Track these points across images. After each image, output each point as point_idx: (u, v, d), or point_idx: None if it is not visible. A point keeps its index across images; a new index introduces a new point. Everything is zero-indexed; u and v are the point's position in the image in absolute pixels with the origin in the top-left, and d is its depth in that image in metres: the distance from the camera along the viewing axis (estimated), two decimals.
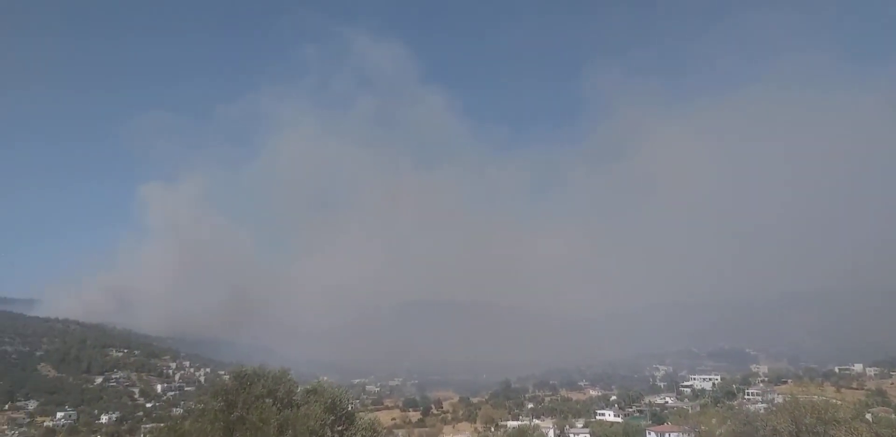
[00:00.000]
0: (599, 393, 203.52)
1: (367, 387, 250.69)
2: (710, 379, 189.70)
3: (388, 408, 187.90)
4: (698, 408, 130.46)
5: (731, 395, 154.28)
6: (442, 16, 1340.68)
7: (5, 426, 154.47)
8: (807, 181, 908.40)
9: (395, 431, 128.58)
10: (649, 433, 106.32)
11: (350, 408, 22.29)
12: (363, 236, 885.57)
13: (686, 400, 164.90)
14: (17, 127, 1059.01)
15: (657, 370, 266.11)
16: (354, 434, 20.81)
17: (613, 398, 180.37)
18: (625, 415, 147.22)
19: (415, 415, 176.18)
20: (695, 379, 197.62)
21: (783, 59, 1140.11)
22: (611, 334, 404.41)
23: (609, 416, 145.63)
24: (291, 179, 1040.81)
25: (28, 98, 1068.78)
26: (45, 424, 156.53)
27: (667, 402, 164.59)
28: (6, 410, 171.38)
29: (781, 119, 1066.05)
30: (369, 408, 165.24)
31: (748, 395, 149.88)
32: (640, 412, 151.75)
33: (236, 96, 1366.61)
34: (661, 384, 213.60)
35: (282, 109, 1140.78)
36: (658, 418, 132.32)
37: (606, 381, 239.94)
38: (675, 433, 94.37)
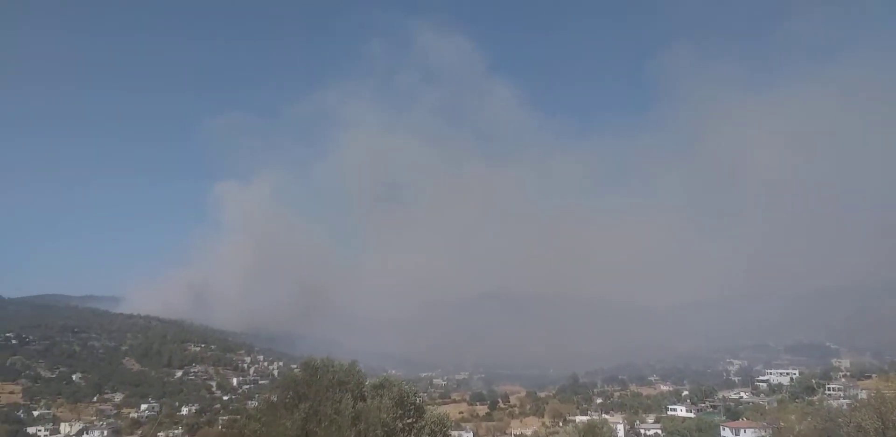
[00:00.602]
0: (670, 388, 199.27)
1: (434, 381, 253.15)
2: (787, 374, 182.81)
3: (455, 402, 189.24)
4: (775, 404, 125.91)
5: (811, 390, 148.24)
6: (506, 6, 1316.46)
7: (94, 417, 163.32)
8: None
9: (463, 424, 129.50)
10: (724, 429, 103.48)
11: (418, 401, 22.57)
12: (431, 229, 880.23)
13: (762, 395, 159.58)
14: (97, 128, 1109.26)
15: (731, 364, 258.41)
16: (423, 427, 21.08)
17: (685, 393, 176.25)
18: (697, 410, 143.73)
19: (482, 409, 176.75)
20: (771, 374, 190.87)
21: (877, 32, 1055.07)
22: (682, 328, 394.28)
23: (681, 411, 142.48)
24: (359, 175, 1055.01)
25: (108, 99, 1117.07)
26: (130, 415, 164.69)
27: (741, 397, 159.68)
28: (95, 402, 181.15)
29: (871, 97, 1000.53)
30: (437, 402, 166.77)
31: (829, 390, 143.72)
32: (714, 407, 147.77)
33: (305, 95, 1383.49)
34: (736, 379, 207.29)
35: (348, 106, 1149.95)
36: (733, 413, 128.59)
37: (678, 376, 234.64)
38: (752, 429, 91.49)
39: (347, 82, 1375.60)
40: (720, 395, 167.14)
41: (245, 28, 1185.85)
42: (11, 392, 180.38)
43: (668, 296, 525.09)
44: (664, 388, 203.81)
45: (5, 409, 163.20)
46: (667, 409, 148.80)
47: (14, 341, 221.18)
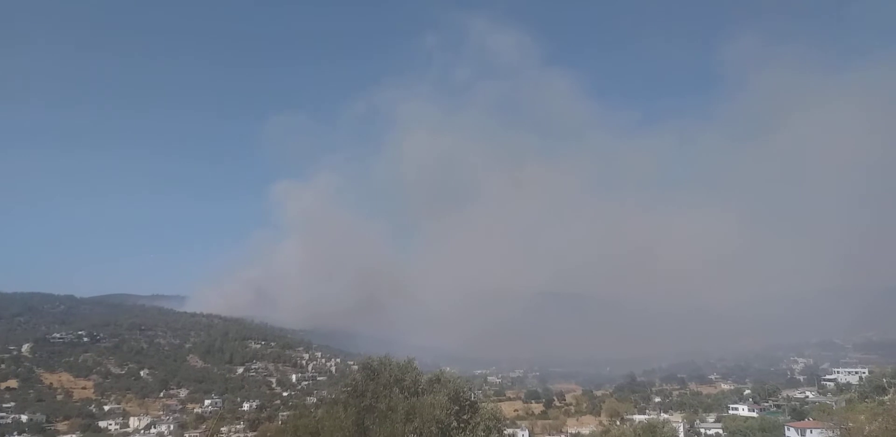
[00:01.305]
0: (732, 387, 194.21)
1: (489, 378, 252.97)
2: (856, 373, 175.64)
3: (509, 399, 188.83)
4: (843, 403, 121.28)
5: (882, 390, 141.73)
6: None
7: (160, 412, 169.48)
8: None
9: (518, 422, 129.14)
10: (788, 429, 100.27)
11: (473, 398, 22.72)
12: (490, 227, 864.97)
13: (829, 395, 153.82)
14: (162, 137, 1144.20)
15: (796, 362, 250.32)
16: (478, 424, 21.21)
17: (747, 391, 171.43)
18: (760, 410, 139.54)
19: (537, 407, 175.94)
20: (838, 372, 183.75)
21: None
22: (745, 326, 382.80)
23: (743, 411, 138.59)
24: (416, 171, 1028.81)
25: (168, 106, 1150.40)
26: (194, 410, 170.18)
27: (807, 396, 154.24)
28: (161, 397, 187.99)
29: None
30: (491, 399, 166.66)
31: None
32: (778, 406, 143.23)
33: (360, 92, 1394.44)
34: (801, 378, 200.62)
35: (404, 103, 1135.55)
36: (798, 413, 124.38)
37: (739, 374, 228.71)
38: (818, 430, 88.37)
39: (402, 78, 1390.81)
40: (784, 394, 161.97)
41: (298, 27, 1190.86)
42: (84, 388, 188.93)
43: (732, 294, 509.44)
44: (725, 387, 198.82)
45: (79, 404, 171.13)
46: (728, 408, 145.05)
47: (86, 339, 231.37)
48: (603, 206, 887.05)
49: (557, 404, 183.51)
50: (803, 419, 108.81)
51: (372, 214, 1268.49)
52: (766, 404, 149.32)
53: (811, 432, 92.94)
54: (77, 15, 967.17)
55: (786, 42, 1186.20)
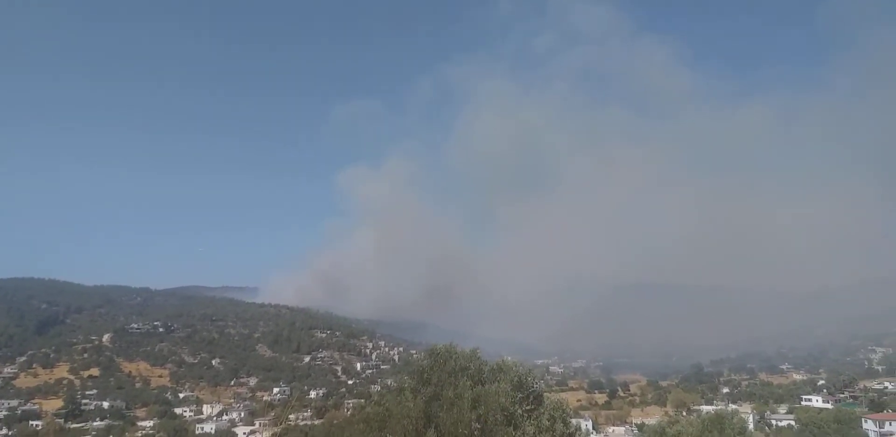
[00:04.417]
0: (804, 377, 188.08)
1: (551, 368, 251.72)
2: None
3: (572, 389, 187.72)
4: None
5: None
6: None
7: (232, 400, 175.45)
8: None
9: (582, 412, 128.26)
10: (866, 421, 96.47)
11: (536, 387, 22.79)
12: (572, 212, 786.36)
13: None
14: (233, 126, 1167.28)
15: (874, 352, 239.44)
16: (543, 414, 21.27)
17: (821, 382, 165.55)
18: (835, 401, 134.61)
19: (600, 397, 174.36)
20: None
21: None
22: (820, 314, 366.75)
23: (817, 402, 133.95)
24: (492, 154, 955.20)
25: (237, 98, 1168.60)
26: (263, 398, 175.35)
27: (886, 387, 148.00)
28: (232, 385, 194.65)
29: None
30: (553, 389, 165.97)
31: None
32: (854, 397, 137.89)
33: (428, 70, 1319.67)
34: (879, 368, 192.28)
35: (477, 79, 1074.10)
36: (876, 404, 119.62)
37: (813, 364, 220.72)
38: None
39: (475, 54, 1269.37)
40: (861, 385, 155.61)
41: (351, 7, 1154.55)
42: (160, 376, 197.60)
43: (808, 281, 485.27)
44: (797, 377, 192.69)
45: (156, 391, 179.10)
46: (801, 399, 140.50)
47: (161, 330, 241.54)
48: (696, 189, 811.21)
49: (621, 394, 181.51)
50: (882, 411, 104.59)
51: (445, 202, 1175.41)
52: (841, 395, 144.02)
53: (891, 424, 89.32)
54: None
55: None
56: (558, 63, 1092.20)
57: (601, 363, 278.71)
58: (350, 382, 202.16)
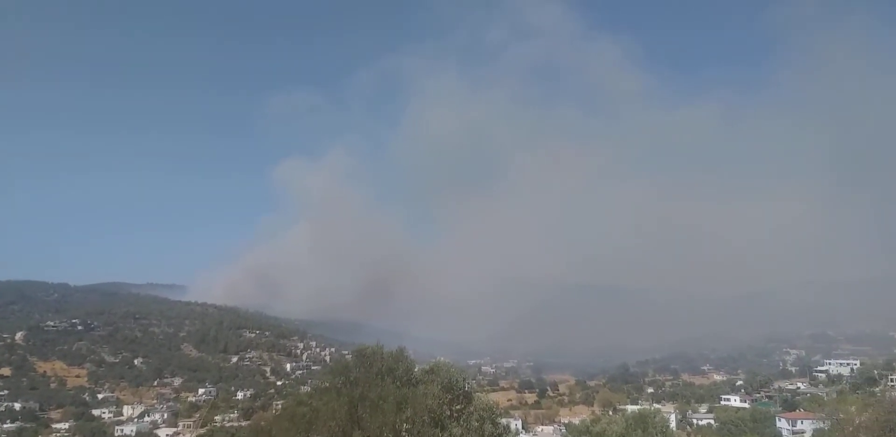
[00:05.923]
0: (724, 378, 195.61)
1: (483, 368, 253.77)
2: (847, 364, 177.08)
3: (503, 389, 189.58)
4: (835, 395, 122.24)
5: (873, 381, 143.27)
6: None
7: (154, 401, 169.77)
8: None
9: (512, 412, 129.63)
10: (780, 420, 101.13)
11: (467, 388, 22.64)
12: (515, 211, 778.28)
13: (821, 386, 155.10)
14: (155, 119, 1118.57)
15: (788, 354, 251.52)
16: (472, 414, 21.14)
17: (739, 382, 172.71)
18: (752, 401, 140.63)
19: (530, 397, 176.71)
20: (830, 364, 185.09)
21: None
22: (739, 318, 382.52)
23: (735, 401, 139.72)
24: (438, 147, 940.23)
25: (158, 92, 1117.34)
26: (188, 399, 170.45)
27: (799, 388, 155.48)
28: (155, 386, 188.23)
29: None
30: (485, 389, 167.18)
31: (892, 381, 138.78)
32: (770, 397, 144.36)
33: (373, 61, 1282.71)
34: (793, 369, 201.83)
35: (424, 72, 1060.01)
36: (789, 404, 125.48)
37: (732, 365, 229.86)
38: (809, 421, 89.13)
39: (422, 45, 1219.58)
40: (776, 385, 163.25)
41: None
42: (78, 376, 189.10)
43: (730, 286, 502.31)
44: (717, 378, 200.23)
45: (72, 392, 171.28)
46: (720, 399, 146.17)
47: (80, 327, 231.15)
48: (642, 189, 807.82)
49: (551, 394, 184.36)
50: (795, 410, 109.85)
51: (388, 198, 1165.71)
52: (757, 395, 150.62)
53: (802, 422, 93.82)
54: None
55: (843, 9, 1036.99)
56: (508, 58, 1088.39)
57: (531, 363, 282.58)
58: (279, 383, 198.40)
